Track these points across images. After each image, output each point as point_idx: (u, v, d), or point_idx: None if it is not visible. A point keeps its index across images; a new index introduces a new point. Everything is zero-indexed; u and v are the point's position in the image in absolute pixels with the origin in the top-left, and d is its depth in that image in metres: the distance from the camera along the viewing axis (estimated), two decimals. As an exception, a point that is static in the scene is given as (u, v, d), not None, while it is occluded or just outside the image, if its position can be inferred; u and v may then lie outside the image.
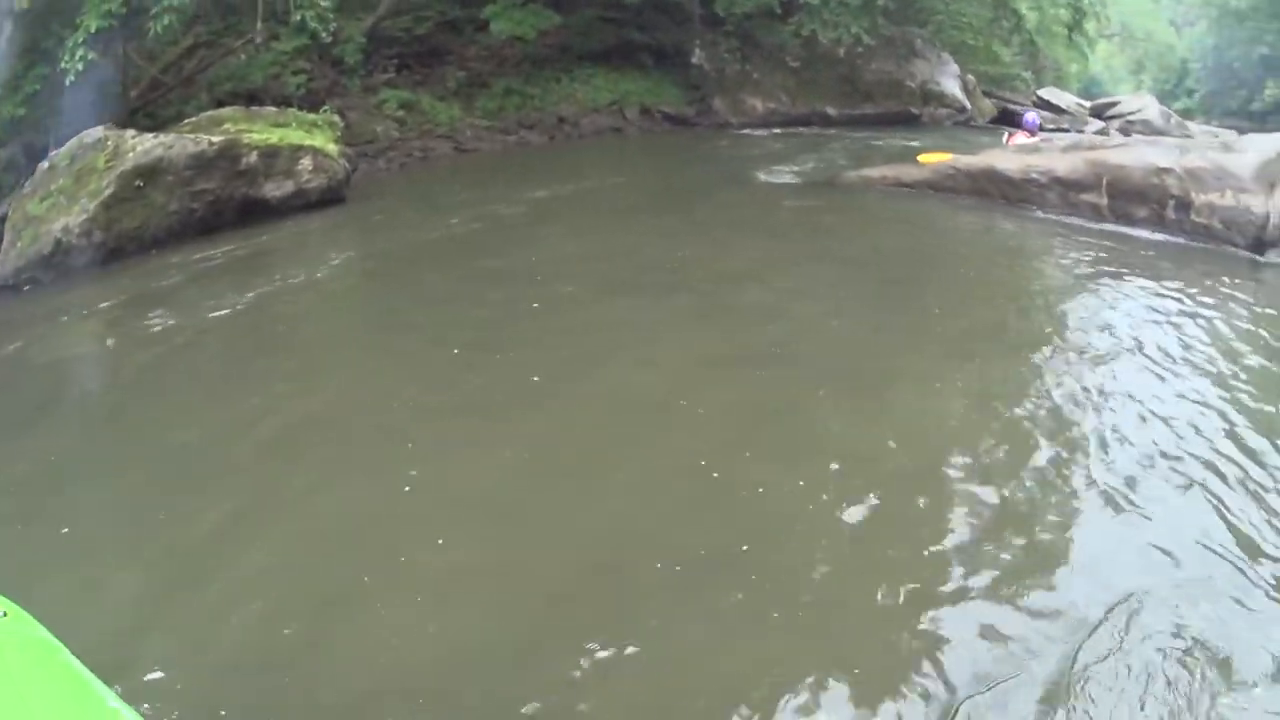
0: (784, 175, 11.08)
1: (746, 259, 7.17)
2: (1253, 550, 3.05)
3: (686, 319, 5.69)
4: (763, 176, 11.02)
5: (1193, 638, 2.58)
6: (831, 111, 15.94)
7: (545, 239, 7.94)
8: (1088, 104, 23.64)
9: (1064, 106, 23.92)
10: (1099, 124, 18.99)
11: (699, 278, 6.56)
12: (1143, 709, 2.31)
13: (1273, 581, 2.87)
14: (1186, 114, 26.93)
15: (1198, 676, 2.41)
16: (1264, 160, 6.78)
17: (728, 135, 14.81)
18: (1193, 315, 5.55)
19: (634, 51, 14.95)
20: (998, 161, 8.60)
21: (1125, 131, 17.68)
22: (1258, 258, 6.96)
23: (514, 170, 11.75)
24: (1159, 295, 5.97)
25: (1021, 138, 10.24)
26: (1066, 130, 15.98)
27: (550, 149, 13.45)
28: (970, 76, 18.40)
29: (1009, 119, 18.67)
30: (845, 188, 10.00)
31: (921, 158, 10.43)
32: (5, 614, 1.73)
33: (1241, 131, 25.49)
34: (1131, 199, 7.55)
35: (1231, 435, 3.92)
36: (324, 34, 9.96)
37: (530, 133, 13.38)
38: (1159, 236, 7.44)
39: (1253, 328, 5.39)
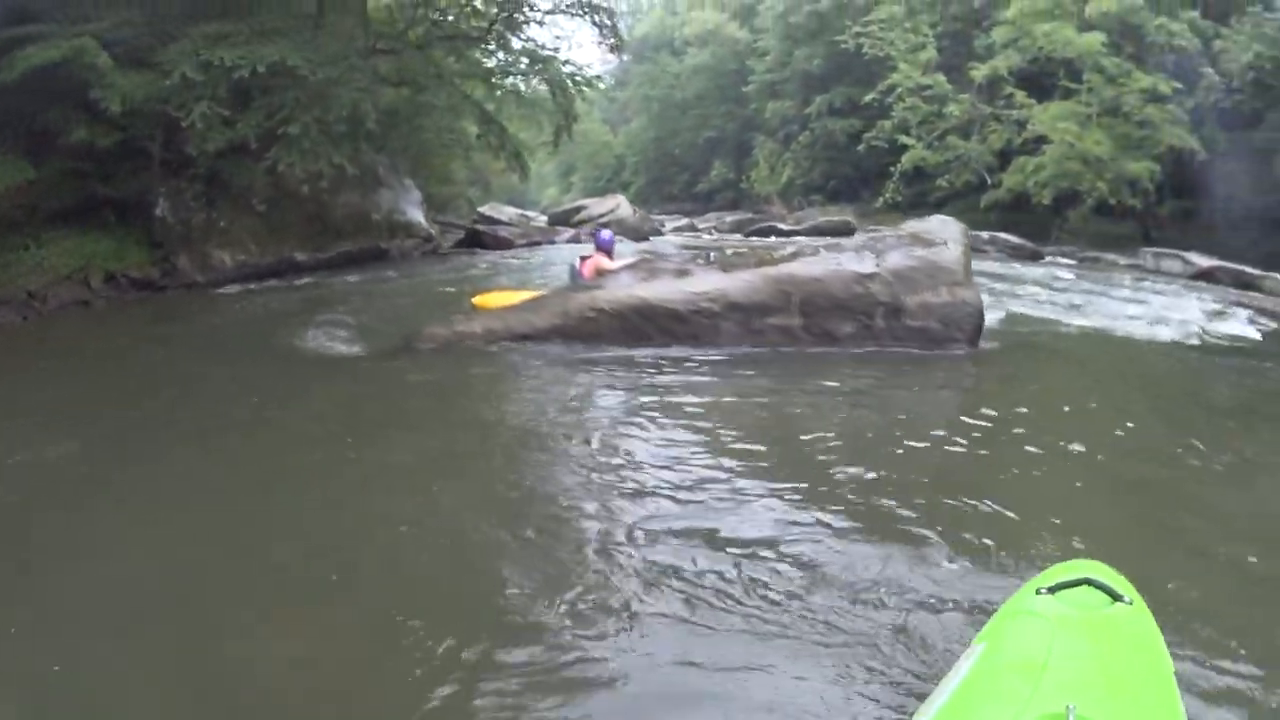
0: (333, 343, 7.43)
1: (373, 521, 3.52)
2: None
3: None
4: (311, 344, 7.40)
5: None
6: (301, 256, 13.09)
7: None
8: (533, 214, 24.13)
9: (508, 220, 24.16)
10: (570, 231, 18.98)
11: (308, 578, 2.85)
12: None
13: None
14: (626, 204, 29.35)
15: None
16: (962, 249, 6.05)
17: (203, 297, 11.40)
18: (902, 417, 5.05)
19: (98, 208, 11.78)
20: (650, 293, 6.55)
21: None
22: (971, 348, 6.38)
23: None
24: (856, 408, 5.20)
25: (604, 261, 8.39)
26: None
27: (25, 333, 9.92)
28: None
29: (477, 240, 17.63)
30: (443, 350, 6.62)
31: (478, 300, 8.46)
32: (1131, 602, 1.61)
33: (687, 214, 29.03)
34: (831, 315, 6.23)
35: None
36: None
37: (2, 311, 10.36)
38: (869, 349, 6.27)
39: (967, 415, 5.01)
